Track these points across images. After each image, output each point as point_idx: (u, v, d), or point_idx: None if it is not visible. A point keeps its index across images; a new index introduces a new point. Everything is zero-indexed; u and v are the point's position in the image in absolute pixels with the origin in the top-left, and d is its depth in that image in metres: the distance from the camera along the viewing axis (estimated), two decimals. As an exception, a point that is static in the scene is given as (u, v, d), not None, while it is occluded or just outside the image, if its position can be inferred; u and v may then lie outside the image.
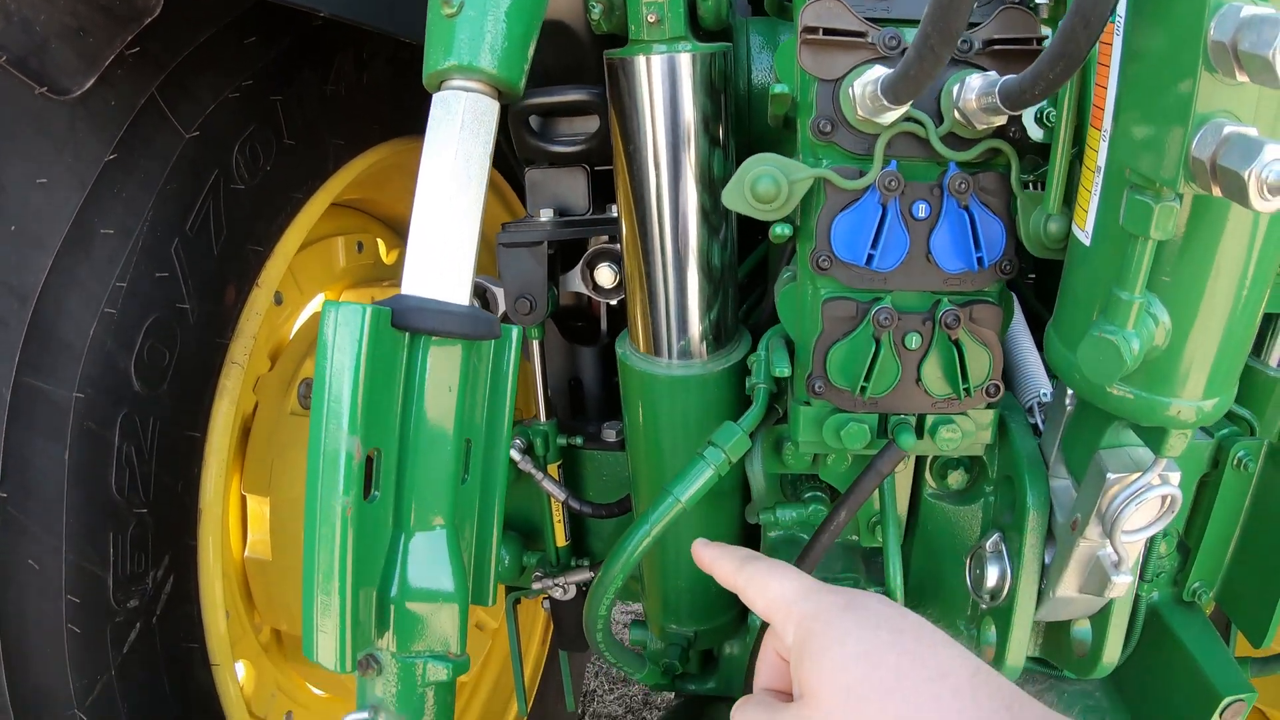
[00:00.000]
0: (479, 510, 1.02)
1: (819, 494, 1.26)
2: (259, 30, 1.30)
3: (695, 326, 1.21)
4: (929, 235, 1.03)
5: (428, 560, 0.93)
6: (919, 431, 1.11)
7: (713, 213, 1.19)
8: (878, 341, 1.04)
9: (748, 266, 1.47)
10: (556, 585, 1.53)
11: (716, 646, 1.50)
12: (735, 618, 1.43)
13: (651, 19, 1.10)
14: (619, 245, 1.40)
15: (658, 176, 1.16)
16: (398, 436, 0.89)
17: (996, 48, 0.99)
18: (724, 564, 0.94)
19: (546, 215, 1.38)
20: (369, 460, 0.87)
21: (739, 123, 1.29)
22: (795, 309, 1.09)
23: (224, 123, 1.27)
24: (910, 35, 0.99)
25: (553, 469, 1.48)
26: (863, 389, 1.05)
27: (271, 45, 1.32)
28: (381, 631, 0.93)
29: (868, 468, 1.09)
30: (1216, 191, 0.75)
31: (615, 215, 1.39)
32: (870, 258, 1.01)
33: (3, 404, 1.08)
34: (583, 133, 1.37)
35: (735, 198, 1.00)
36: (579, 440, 1.49)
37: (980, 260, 1.03)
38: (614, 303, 1.48)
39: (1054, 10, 1.13)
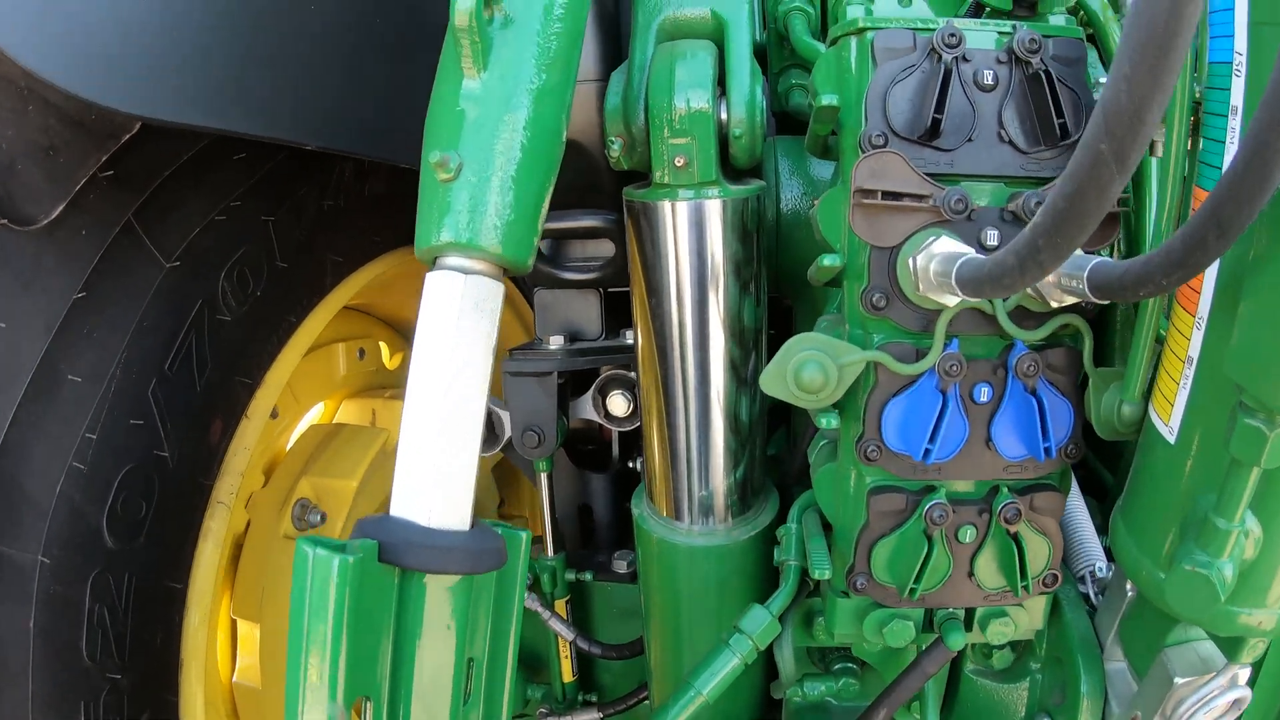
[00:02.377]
0: (480, 729, 0.84)
1: (850, 665, 1.09)
2: (248, 145, 1.12)
3: (720, 489, 1.03)
4: (990, 420, 0.86)
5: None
6: (968, 623, 0.94)
7: (741, 364, 1.02)
8: (929, 538, 0.87)
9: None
10: (562, 722, 1.36)
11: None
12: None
13: (679, 162, 0.93)
14: (633, 373, 1.23)
15: (681, 328, 0.99)
16: (389, 681, 0.72)
17: (1072, 214, 0.82)
18: None
19: (556, 342, 1.21)
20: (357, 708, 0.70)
21: (769, 253, 1.12)
22: (835, 494, 0.92)
23: (209, 248, 1.10)
24: (977, 192, 0.83)
25: (560, 605, 1.31)
26: (911, 590, 0.88)
27: (263, 160, 1.14)
28: None
29: (913, 666, 0.92)
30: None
31: (630, 342, 1.22)
32: (927, 452, 0.84)
33: (-44, 577, 0.91)
34: (597, 258, 1.19)
35: (776, 384, 0.83)
36: (588, 576, 1.32)
37: (1047, 450, 0.86)
38: (627, 429, 1.31)
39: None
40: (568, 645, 1.34)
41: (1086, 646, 0.98)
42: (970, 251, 0.77)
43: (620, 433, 1.40)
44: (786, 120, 1.20)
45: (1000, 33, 0.85)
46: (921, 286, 0.79)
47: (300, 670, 0.65)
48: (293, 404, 1.42)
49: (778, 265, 1.13)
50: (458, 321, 0.72)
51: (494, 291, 0.74)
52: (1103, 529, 1.10)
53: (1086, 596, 1.05)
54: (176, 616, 1.15)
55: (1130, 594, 0.96)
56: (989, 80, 0.82)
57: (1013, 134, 0.83)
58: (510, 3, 0.76)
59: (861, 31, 0.84)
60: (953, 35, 0.81)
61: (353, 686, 0.67)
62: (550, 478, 1.27)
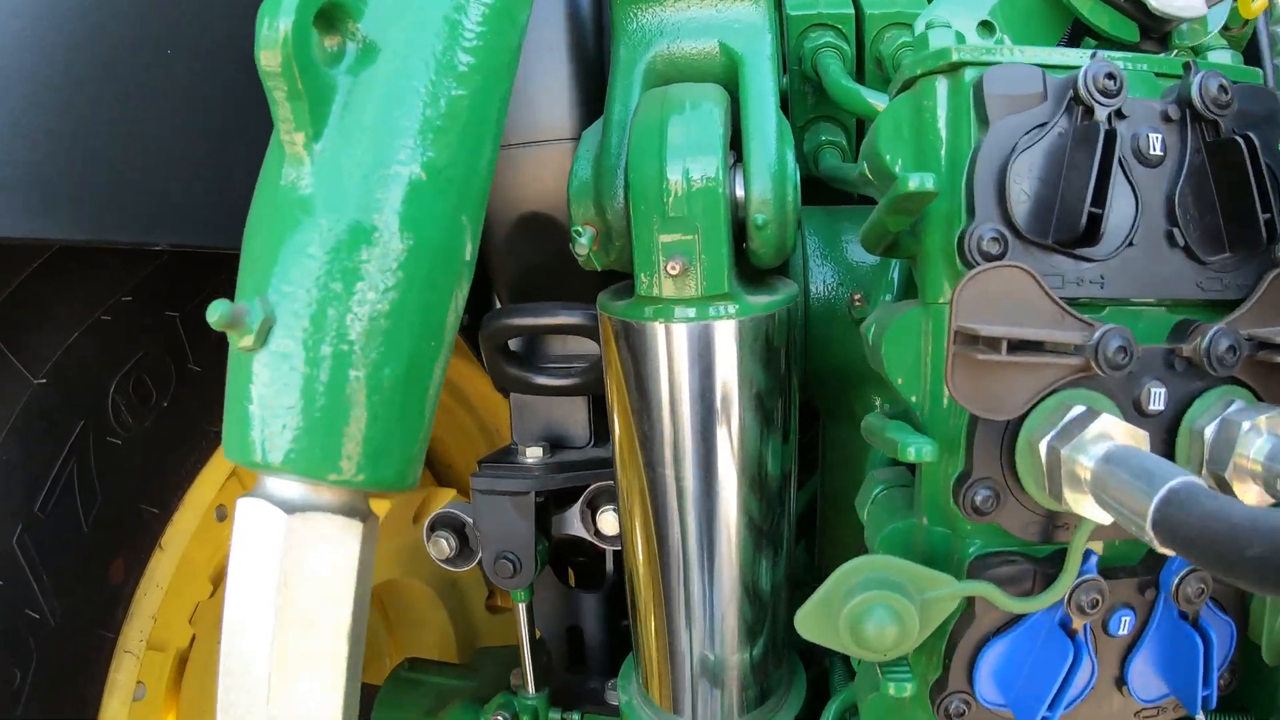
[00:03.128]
0: None
1: None
2: (145, 224, 0.79)
3: (732, 675, 0.71)
4: (1125, 656, 0.52)
5: None
6: None
7: (762, 518, 0.68)
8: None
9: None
10: None
11: None
12: None
13: (673, 269, 0.59)
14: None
15: (680, 483, 0.66)
16: None
17: (1277, 357, 0.47)
18: None
19: (535, 455, 0.88)
20: None
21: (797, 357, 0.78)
22: (895, 738, 0.58)
23: (90, 357, 0.78)
24: (1143, 321, 0.48)
25: (545, 746, 1.00)
26: None
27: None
28: None
29: None
30: None
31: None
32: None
33: None
34: (580, 356, 0.86)
35: (823, 632, 0.49)
36: (576, 716, 1.00)
37: (1206, 700, 0.52)
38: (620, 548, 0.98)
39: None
40: (555, 789, 1.03)
41: None
42: (1144, 440, 0.43)
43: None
44: (814, 185, 0.85)
45: (1158, 74, 0.50)
46: (1065, 492, 0.45)
47: None
48: (245, 499, 1.10)
49: (804, 370, 0.79)
50: (284, 591, 0.40)
51: (347, 535, 0.41)
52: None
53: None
54: (76, 793, 0.85)
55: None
56: (1156, 149, 0.48)
57: (1189, 234, 0.48)
58: (371, 22, 0.42)
59: (957, 68, 0.49)
60: (1111, 77, 0.46)
61: None
62: (530, 607, 0.95)
